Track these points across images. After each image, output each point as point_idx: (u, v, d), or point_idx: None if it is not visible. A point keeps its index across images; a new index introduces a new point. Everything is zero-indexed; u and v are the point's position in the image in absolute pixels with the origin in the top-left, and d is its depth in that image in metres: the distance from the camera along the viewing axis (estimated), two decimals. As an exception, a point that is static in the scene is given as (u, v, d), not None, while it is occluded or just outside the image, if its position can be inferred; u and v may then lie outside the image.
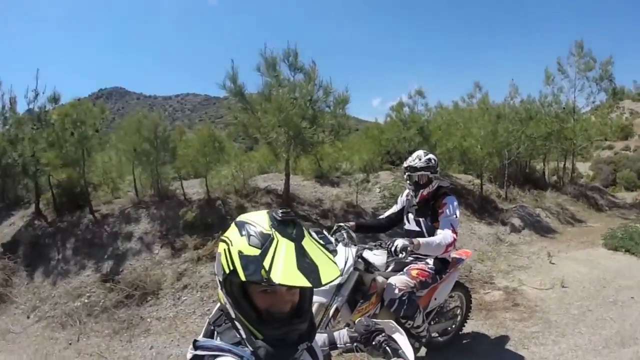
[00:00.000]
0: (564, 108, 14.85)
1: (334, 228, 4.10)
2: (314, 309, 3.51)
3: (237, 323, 1.38)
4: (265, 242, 1.29)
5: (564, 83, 15.16)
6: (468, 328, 5.25)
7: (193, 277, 6.78)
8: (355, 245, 3.79)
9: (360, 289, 3.83)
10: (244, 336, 1.37)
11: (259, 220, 1.36)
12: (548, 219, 11.41)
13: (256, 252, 1.27)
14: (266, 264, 1.24)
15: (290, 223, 1.36)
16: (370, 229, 4.81)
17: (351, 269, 3.64)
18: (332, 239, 3.94)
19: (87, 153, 8.26)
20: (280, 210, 1.38)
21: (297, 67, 8.42)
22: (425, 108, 13.45)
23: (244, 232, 1.33)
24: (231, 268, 1.30)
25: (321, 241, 1.42)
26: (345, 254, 3.65)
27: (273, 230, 1.32)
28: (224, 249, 1.34)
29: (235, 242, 1.32)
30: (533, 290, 6.82)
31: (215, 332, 1.45)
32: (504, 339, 5.28)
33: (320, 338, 2.02)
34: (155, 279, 6.70)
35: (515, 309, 6.13)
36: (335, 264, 1.36)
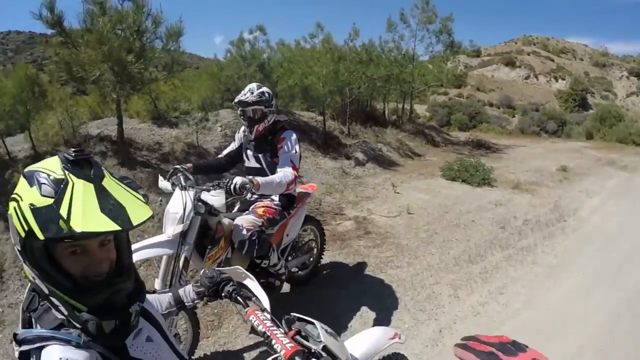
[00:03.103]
0: (403, 54, 15.80)
1: (170, 171, 3.73)
2: (163, 262, 3.38)
3: (53, 299, 1.18)
4: (58, 187, 1.10)
5: (405, 32, 16.16)
6: (326, 259, 5.28)
7: (38, 251, 5.89)
8: (192, 188, 3.47)
9: (207, 234, 3.59)
10: (65, 313, 1.18)
11: (49, 165, 1.16)
12: (389, 153, 12.00)
13: (50, 201, 1.08)
14: (63, 212, 1.05)
15: (85, 162, 1.17)
16: (210, 169, 4.46)
17: (192, 214, 3.34)
18: (169, 184, 3.62)
19: None
20: (73, 150, 1.18)
21: (126, -8, 7.39)
22: (267, 45, 13.25)
23: (33, 183, 1.12)
24: (26, 229, 1.08)
25: (125, 184, 1.25)
26: (183, 199, 3.33)
27: (66, 172, 1.13)
28: (14, 207, 1.12)
29: (26, 196, 1.11)
30: (382, 218, 7.04)
31: (33, 319, 1.24)
32: (361, 265, 5.38)
33: (165, 299, 1.90)
34: None
35: (367, 236, 6.27)
36: (145, 204, 1.21)
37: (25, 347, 1.15)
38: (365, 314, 4.28)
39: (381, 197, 8.32)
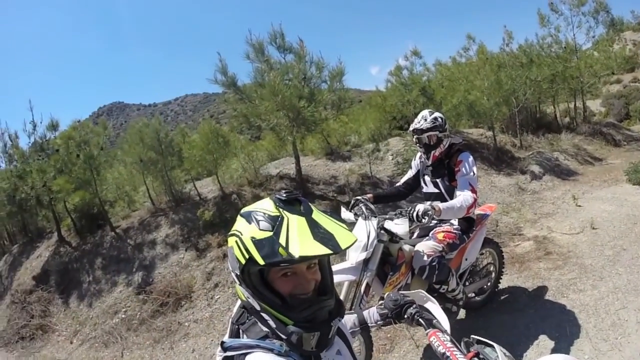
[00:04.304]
0: (564, 47, 14.50)
1: (352, 202, 3.99)
2: (344, 288, 3.56)
3: (263, 315, 1.36)
4: (275, 222, 1.29)
5: (560, 22, 14.80)
6: (504, 283, 5.15)
7: (222, 275, 6.77)
8: (375, 217, 3.69)
9: (387, 260, 3.77)
10: (273, 326, 1.35)
11: (264, 206, 1.37)
12: (567, 162, 11.23)
13: (269, 234, 1.27)
14: (282, 241, 1.24)
15: (295, 201, 1.37)
16: (389, 198, 4.64)
17: (375, 242, 3.56)
18: (351, 214, 3.86)
19: (96, 172, 8.25)
20: (284, 191, 1.39)
21: (286, 48, 8.20)
22: (424, 68, 13.35)
23: (252, 221, 1.33)
24: (247, 257, 1.28)
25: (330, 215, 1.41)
26: (367, 228, 3.58)
27: (280, 210, 1.32)
28: (236, 241, 1.33)
29: (246, 232, 1.31)
30: (563, 236, 6.65)
31: (240, 331, 1.43)
32: (541, 289, 5.13)
33: (350, 319, 2.02)
34: (185, 282, 6.73)
35: (548, 257, 5.97)
36: (349, 230, 1.35)
37: (230, 353, 1.33)
38: (543, 342, 4.11)
39: (561, 213, 7.83)
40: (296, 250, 1.21)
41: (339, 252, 1.26)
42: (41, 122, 8.97)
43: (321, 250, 1.22)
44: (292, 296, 1.34)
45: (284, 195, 1.36)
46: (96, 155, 8.28)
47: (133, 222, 8.40)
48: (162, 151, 8.45)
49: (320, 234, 1.26)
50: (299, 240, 1.23)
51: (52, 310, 7.15)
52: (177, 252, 7.43)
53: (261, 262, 1.23)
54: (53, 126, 8.93)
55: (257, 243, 1.26)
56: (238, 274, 1.35)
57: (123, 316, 6.50)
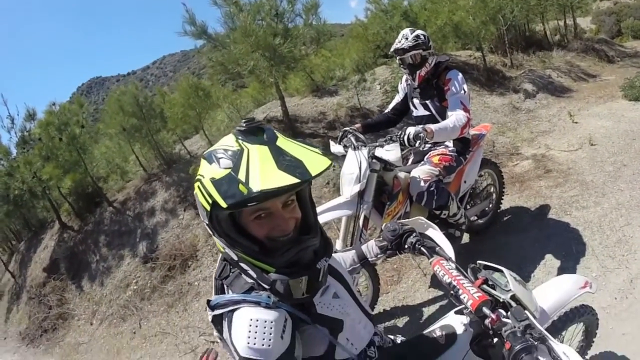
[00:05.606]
0: (553, -39, 13.84)
1: (340, 134, 3.79)
2: (342, 223, 3.43)
3: (242, 264, 1.25)
4: (235, 157, 1.15)
5: None
6: (506, 204, 5.04)
7: (224, 228, 6.64)
8: (365, 146, 3.49)
9: (384, 190, 3.61)
10: (254, 276, 1.24)
11: (225, 142, 1.24)
12: (560, 79, 10.92)
13: (228, 171, 1.14)
14: (241, 176, 1.11)
15: (258, 130, 1.22)
16: (379, 126, 4.39)
17: (367, 172, 3.37)
18: (340, 147, 3.69)
19: (82, 151, 8.15)
20: (243, 121, 1.24)
21: (255, -15, 7.79)
22: (404, -9, 12.69)
23: (212, 160, 1.20)
24: (210, 202, 1.16)
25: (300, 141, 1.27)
26: (358, 158, 3.39)
27: (240, 142, 1.19)
28: (198, 186, 1.21)
29: (207, 174, 1.19)
30: (562, 154, 6.49)
31: (225, 286, 1.33)
32: (544, 208, 5.01)
33: (349, 256, 1.91)
34: (189, 243, 6.69)
35: (548, 175, 5.82)
36: (321, 155, 1.21)
37: (218, 312, 1.24)
38: (549, 262, 4.02)
39: (558, 130, 7.63)
40: (257, 184, 1.07)
41: (310, 180, 1.14)
42: (18, 115, 8.96)
43: (287, 180, 1.08)
44: (269, 239, 1.23)
45: (244, 125, 1.21)
46: (78, 134, 8.16)
47: (129, 193, 8.30)
48: (144, 116, 8.26)
49: (285, 162, 1.12)
50: (261, 172, 1.09)
51: (67, 297, 7.21)
52: (176, 214, 7.35)
53: (223, 204, 1.11)
54: (30, 116, 8.86)
55: (216, 183, 1.14)
56: (207, 222, 1.22)
57: (135, 287, 6.51)
